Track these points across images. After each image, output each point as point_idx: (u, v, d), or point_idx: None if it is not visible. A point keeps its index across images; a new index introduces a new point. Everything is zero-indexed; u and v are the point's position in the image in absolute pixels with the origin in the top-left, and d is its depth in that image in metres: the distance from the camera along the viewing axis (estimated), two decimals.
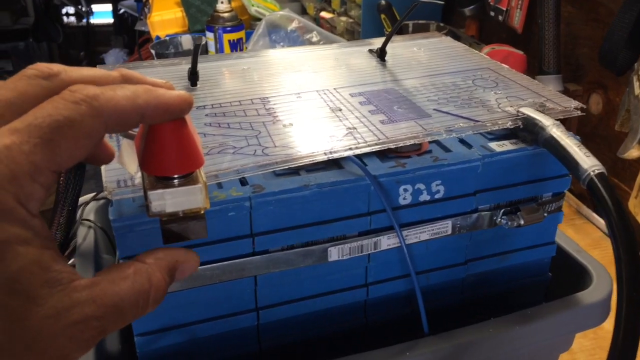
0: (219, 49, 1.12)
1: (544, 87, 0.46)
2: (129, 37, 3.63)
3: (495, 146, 0.42)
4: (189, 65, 0.50)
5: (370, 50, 0.54)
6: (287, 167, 0.37)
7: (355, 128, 0.40)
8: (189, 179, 0.31)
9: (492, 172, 0.42)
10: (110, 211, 0.35)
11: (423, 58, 0.52)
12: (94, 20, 3.95)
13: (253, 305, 0.42)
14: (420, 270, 0.44)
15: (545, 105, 0.43)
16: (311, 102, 0.44)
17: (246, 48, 1.16)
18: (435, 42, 0.56)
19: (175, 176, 0.31)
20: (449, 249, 0.44)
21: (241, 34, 1.14)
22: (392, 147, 0.39)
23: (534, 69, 0.93)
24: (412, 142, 0.39)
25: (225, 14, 1.12)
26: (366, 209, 0.41)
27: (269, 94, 0.45)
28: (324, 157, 0.37)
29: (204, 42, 1.14)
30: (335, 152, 0.38)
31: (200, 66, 0.50)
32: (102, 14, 3.94)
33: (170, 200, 0.31)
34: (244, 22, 1.15)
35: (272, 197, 0.38)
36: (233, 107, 0.43)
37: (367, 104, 0.43)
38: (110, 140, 0.39)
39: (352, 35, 1.31)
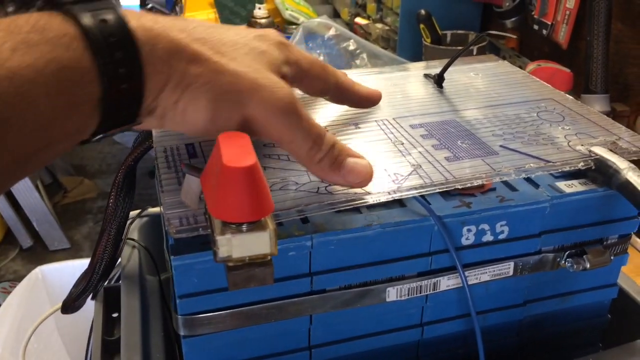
0: None
1: (613, 123, 0.44)
2: None
3: (564, 186, 0.40)
4: None
5: (427, 76, 0.52)
6: (350, 206, 0.36)
7: (420, 165, 0.39)
8: (258, 224, 0.30)
9: (559, 213, 0.40)
10: (169, 248, 0.34)
11: (481, 85, 0.51)
12: None
13: (306, 344, 0.40)
14: (478, 311, 0.42)
15: (617, 145, 0.41)
16: (371, 133, 0.43)
17: None
18: (492, 67, 0.54)
19: (244, 222, 0.30)
20: (508, 290, 0.42)
21: None
22: (459, 187, 0.37)
23: (578, 87, 0.91)
24: (480, 182, 0.38)
25: (263, 20, 1.11)
26: (427, 249, 0.39)
27: (326, 122, 0.44)
28: (389, 197, 0.36)
29: None
30: (400, 191, 0.36)
31: None
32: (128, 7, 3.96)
33: (238, 246, 0.30)
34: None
35: (334, 236, 0.36)
36: None
37: (429, 138, 0.42)
38: (170, 173, 0.38)
39: (387, 43, 1.29)
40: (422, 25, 1.09)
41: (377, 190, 0.36)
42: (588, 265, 0.41)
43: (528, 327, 0.45)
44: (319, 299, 0.38)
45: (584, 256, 0.41)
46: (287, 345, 0.40)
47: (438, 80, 0.50)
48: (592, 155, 0.40)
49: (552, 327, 0.46)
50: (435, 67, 0.53)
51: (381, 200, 0.36)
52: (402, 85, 0.51)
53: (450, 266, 0.40)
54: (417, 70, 0.55)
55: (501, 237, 0.40)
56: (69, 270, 1.61)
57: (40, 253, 2.55)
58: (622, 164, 0.38)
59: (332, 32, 1.12)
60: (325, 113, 0.45)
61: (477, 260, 0.40)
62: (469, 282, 0.41)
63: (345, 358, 0.42)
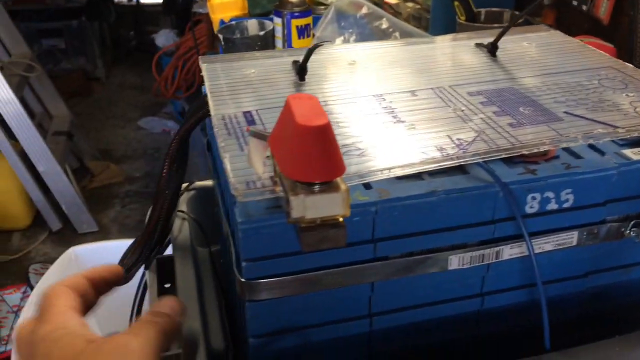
0: (287, 35, 1.10)
1: None
2: (178, 17, 3.64)
3: (631, 154, 0.39)
4: (292, 58, 0.49)
5: (478, 45, 0.51)
6: (416, 171, 0.35)
7: (483, 131, 0.38)
8: (330, 185, 0.30)
9: (626, 181, 0.39)
10: (236, 213, 0.34)
11: (536, 54, 0.49)
12: (143, 0, 3.97)
13: (366, 312, 0.40)
14: (546, 281, 0.42)
15: None
16: (428, 100, 0.42)
17: (313, 34, 1.14)
18: (545, 36, 0.53)
19: (317, 182, 0.30)
20: (571, 261, 0.42)
21: (309, 20, 1.11)
22: (525, 152, 0.36)
23: None
24: (546, 148, 0.37)
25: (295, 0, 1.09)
26: (491, 217, 0.38)
27: (382, 91, 0.43)
28: (456, 162, 0.35)
29: (270, 28, 1.12)
30: (466, 157, 0.36)
31: (297, 57, 0.48)
32: None
33: (311, 207, 0.29)
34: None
35: (399, 202, 0.36)
36: (348, 104, 0.41)
37: (489, 105, 0.41)
38: (231, 140, 0.38)
39: (418, 22, 1.27)
40: (456, 3, 1.07)
41: (442, 155, 0.36)
42: None
43: (590, 299, 0.44)
44: (381, 266, 0.38)
45: None
46: (347, 313, 0.39)
47: (492, 49, 0.49)
48: None
49: (614, 300, 0.45)
50: (476, 39, 0.52)
51: (446, 165, 0.35)
52: (453, 55, 0.50)
53: (513, 235, 0.39)
54: (462, 40, 0.54)
55: (565, 205, 0.39)
56: (101, 251, 1.63)
57: (70, 236, 2.58)
58: None
59: (364, 10, 1.11)
60: (380, 82, 0.45)
61: (540, 229, 0.39)
62: (538, 251, 0.40)
63: (405, 327, 0.41)
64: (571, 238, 0.40)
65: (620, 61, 0.47)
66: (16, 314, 2.08)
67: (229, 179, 0.34)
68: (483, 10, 1.15)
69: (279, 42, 1.12)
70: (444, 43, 0.52)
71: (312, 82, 0.45)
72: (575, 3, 1.01)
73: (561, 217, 0.39)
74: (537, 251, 0.40)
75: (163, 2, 3.89)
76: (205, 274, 0.49)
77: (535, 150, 0.36)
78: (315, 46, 0.44)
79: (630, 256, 0.43)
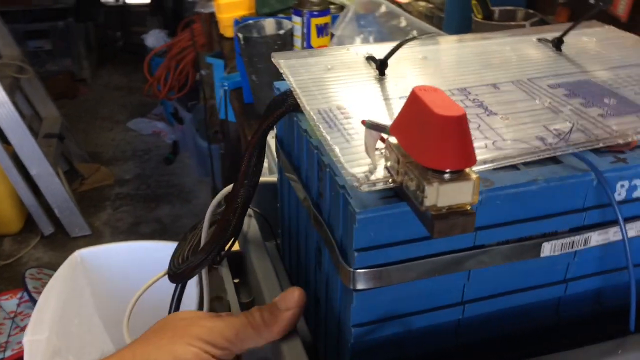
0: (306, 34, 1.11)
1: None
2: (166, 18, 3.62)
3: None
4: (356, 54, 0.50)
5: (541, 40, 0.53)
6: (522, 161, 0.36)
7: (577, 122, 0.39)
8: (461, 174, 0.31)
9: None
10: (352, 203, 0.35)
11: (599, 48, 0.51)
12: (130, 0, 3.94)
13: (459, 299, 0.41)
14: (620, 267, 0.43)
15: None
16: (513, 93, 0.43)
17: (332, 33, 1.15)
18: (601, 32, 0.55)
19: (447, 171, 0.31)
20: None
21: (328, 19, 1.12)
22: (621, 142, 0.38)
23: None
24: None
25: None
26: (582, 205, 0.40)
27: (464, 84, 0.45)
28: (561, 152, 0.37)
29: (289, 27, 1.13)
30: (569, 146, 0.37)
31: (364, 53, 0.49)
32: None
33: (443, 194, 0.30)
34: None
35: (502, 191, 0.37)
36: None
37: (573, 97, 0.42)
38: (334, 132, 0.38)
39: (430, 20, 1.29)
40: (474, 2, 1.09)
41: (545, 145, 0.37)
42: None
43: None
44: (480, 254, 0.39)
45: None
46: (442, 301, 0.41)
47: (557, 44, 0.50)
48: None
49: None
50: (533, 34, 0.53)
51: (554, 154, 0.37)
52: (517, 50, 0.52)
53: (599, 222, 0.41)
54: (518, 36, 0.55)
55: None
56: (107, 254, 1.61)
57: (62, 240, 2.55)
58: None
59: (382, 9, 1.12)
60: (458, 76, 0.46)
61: (626, 216, 0.41)
62: (615, 238, 0.41)
63: (491, 314, 0.43)
64: None
65: None
66: (13, 320, 2.05)
67: (345, 170, 0.35)
68: (497, 9, 1.17)
69: (297, 41, 1.13)
70: (503, 39, 0.54)
71: (393, 77, 0.46)
72: (592, 1, 1.03)
73: None
74: (619, 238, 0.42)
75: (150, 3, 3.87)
76: (278, 267, 0.50)
77: (631, 139, 0.38)
78: (403, 42, 0.45)
79: None
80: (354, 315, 0.39)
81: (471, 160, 0.30)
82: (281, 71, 0.47)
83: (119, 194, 2.90)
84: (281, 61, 0.48)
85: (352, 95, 0.43)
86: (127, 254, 1.63)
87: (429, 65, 0.48)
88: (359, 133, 0.39)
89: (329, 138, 0.38)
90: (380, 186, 0.34)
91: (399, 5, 1.41)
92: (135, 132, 3.41)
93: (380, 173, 0.34)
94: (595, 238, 0.41)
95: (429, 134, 0.30)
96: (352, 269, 0.37)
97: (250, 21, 1.17)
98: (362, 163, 0.35)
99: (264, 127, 0.46)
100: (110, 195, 2.89)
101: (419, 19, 1.28)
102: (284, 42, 1.12)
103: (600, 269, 0.44)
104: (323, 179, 0.41)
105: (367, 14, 1.12)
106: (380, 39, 1.11)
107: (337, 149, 0.36)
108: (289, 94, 0.45)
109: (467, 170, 0.31)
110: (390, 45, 0.46)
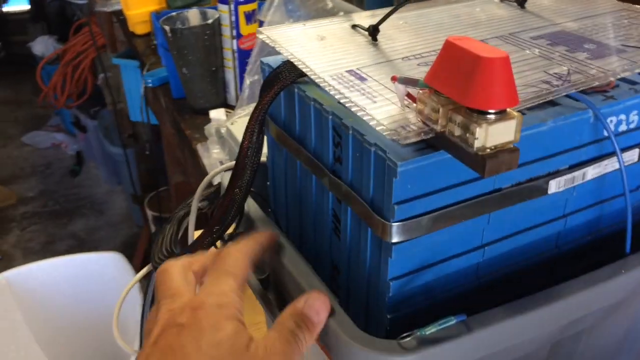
0: (235, 22, 1.10)
1: None
2: (51, 23, 3.41)
3: None
4: (341, 23, 0.51)
5: (503, 0, 0.56)
6: (536, 104, 0.39)
7: (570, 65, 0.42)
8: (504, 114, 0.33)
9: None
10: (391, 157, 0.36)
11: (558, 3, 0.55)
12: (7, 8, 3.68)
13: (480, 242, 0.43)
14: (611, 197, 0.48)
15: None
16: (503, 47, 0.46)
17: (260, 20, 1.14)
18: None
19: (492, 111, 0.33)
20: (630, 175, 0.48)
21: (255, 5, 1.12)
22: (612, 79, 0.42)
23: None
24: (629, 73, 0.42)
25: None
26: (579, 142, 0.43)
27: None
28: (567, 92, 0.40)
29: (216, 16, 1.11)
30: (573, 86, 0.40)
31: (350, 22, 0.50)
32: (16, 1, 3.68)
33: (491, 134, 0.32)
34: None
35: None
36: (433, 57, 0.44)
37: (557, 45, 0.46)
38: (355, 92, 0.39)
39: (350, 2, 1.31)
40: None
41: (551, 88, 0.40)
42: None
43: (636, 211, 0.51)
44: (498, 197, 0.41)
45: None
46: (467, 245, 0.43)
47: (521, 2, 0.54)
48: None
49: None
50: None
51: (563, 95, 0.39)
52: (486, 11, 0.55)
53: (594, 157, 0.45)
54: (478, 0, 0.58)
55: (632, 126, 0.45)
56: (35, 273, 1.52)
57: None
58: None
59: None
60: (441, 35, 0.48)
61: (613, 149, 0.45)
62: (606, 171, 0.46)
63: (505, 254, 0.45)
64: (634, 155, 0.46)
65: (628, 4, 0.54)
66: None
67: (383, 125, 0.36)
68: None
69: (226, 30, 1.11)
70: (469, 2, 0.57)
71: (385, 41, 0.48)
72: None
73: (628, 136, 0.45)
74: (609, 169, 0.46)
75: (30, 9, 3.63)
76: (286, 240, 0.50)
77: (620, 76, 0.42)
78: (396, 7, 0.47)
79: None
80: (391, 268, 0.40)
81: (514, 99, 0.32)
82: (272, 44, 0.47)
83: (25, 214, 2.72)
84: (270, 34, 0.48)
85: (356, 60, 0.44)
86: (55, 270, 1.54)
87: (413, 29, 0.50)
88: (379, 92, 0.40)
89: (354, 98, 0.38)
90: (420, 137, 0.35)
91: None
92: (32, 146, 3.21)
93: (417, 125, 0.36)
94: (591, 172, 0.45)
95: (474, 77, 0.32)
96: (390, 223, 0.38)
97: (173, 13, 1.14)
98: (393, 119, 0.37)
99: (264, 103, 0.46)
100: (15, 216, 2.71)
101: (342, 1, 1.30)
102: (213, 32, 1.10)
103: (594, 200, 0.47)
104: (342, 143, 0.41)
105: None
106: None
107: (367, 108, 0.37)
108: (286, 67, 0.45)
109: (509, 110, 0.33)
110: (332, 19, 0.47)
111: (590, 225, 0.49)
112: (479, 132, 0.32)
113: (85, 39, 2.57)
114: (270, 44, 0.48)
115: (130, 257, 1.53)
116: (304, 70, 0.43)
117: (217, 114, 1.07)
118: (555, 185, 0.43)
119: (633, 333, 0.57)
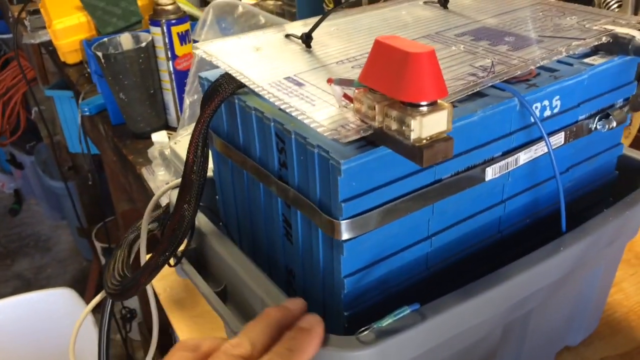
0: (169, 43, 1.10)
1: (600, 10, 0.54)
2: None
3: (591, 61, 0.49)
4: (273, 34, 0.52)
5: (427, 2, 0.59)
6: (464, 95, 0.41)
7: (494, 58, 0.45)
8: (436, 105, 0.35)
9: (591, 84, 0.49)
10: (334, 156, 0.37)
11: (476, 3, 0.58)
12: None
13: (426, 233, 0.45)
14: (543, 180, 0.50)
15: (617, 22, 0.51)
16: (431, 45, 0.48)
17: (194, 40, 1.14)
18: None
19: (424, 103, 0.34)
20: (558, 158, 0.51)
21: (187, 26, 1.12)
22: (533, 67, 0.44)
23: None
24: (547, 61, 0.45)
25: (169, 7, 1.10)
26: (509, 129, 0.46)
27: None
28: (492, 82, 0.42)
29: (149, 39, 1.11)
30: (497, 77, 0.42)
31: (277, 33, 0.52)
32: None
33: (426, 125, 0.34)
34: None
35: (452, 125, 0.41)
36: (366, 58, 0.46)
37: (480, 40, 0.48)
38: (294, 97, 0.40)
39: (282, 17, 1.33)
40: None
41: (477, 80, 0.42)
42: (614, 124, 0.51)
43: (569, 190, 0.54)
44: (440, 187, 0.43)
45: (610, 117, 0.51)
46: (415, 236, 0.44)
47: (444, 3, 0.57)
48: (608, 30, 0.49)
49: (583, 188, 0.55)
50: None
51: (489, 85, 0.42)
52: (412, 13, 0.57)
53: (524, 143, 0.47)
54: (404, 3, 0.61)
55: (555, 111, 0.48)
56: None
57: None
58: (634, 33, 0.48)
59: (240, 10, 1.14)
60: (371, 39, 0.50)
61: (539, 134, 0.48)
62: (537, 155, 0.48)
63: (451, 243, 0.47)
64: (560, 138, 0.49)
65: None
66: None
67: (323, 127, 0.37)
68: None
69: (160, 52, 1.11)
70: (395, 6, 0.59)
71: (318, 48, 0.49)
72: None
73: (553, 121, 0.48)
74: (540, 154, 0.48)
75: None
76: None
77: (540, 64, 0.44)
78: (326, 15, 0.48)
79: (592, 149, 0.53)
80: (344, 265, 0.41)
81: (443, 91, 0.34)
82: (209, 59, 0.48)
83: None
84: (206, 49, 0.49)
85: (293, 67, 0.45)
86: (1, 313, 1.48)
87: (344, 34, 0.52)
88: (317, 96, 0.41)
89: (293, 103, 0.39)
90: (359, 134, 0.36)
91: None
92: None
93: (355, 123, 0.37)
94: (523, 157, 0.47)
95: (405, 72, 0.33)
96: (339, 221, 0.39)
97: (105, 39, 1.12)
98: (333, 120, 0.38)
99: (206, 116, 0.47)
100: None
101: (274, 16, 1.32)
102: (148, 55, 1.09)
103: (529, 184, 0.50)
104: (286, 149, 0.42)
105: (225, 16, 1.13)
106: None
107: (307, 111, 0.38)
108: (225, 79, 0.46)
109: (440, 101, 0.35)
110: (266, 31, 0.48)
111: (528, 209, 0.51)
112: (414, 124, 0.33)
113: (15, 73, 2.50)
114: (207, 58, 0.49)
115: (81, 293, 1.49)
116: (242, 80, 0.44)
117: (159, 137, 1.06)
118: (491, 172, 0.46)
119: (580, 309, 0.60)
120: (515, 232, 0.52)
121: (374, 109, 0.36)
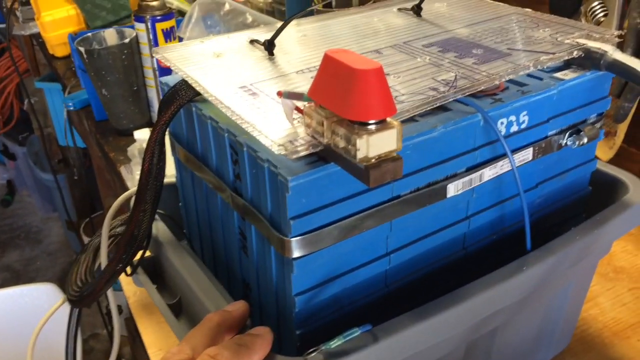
0: (153, 40, 1.08)
1: (576, 23, 0.52)
2: None
3: (561, 75, 0.48)
4: (237, 38, 0.51)
5: (401, 9, 0.57)
6: (424, 110, 0.40)
7: (458, 71, 0.44)
8: (385, 124, 0.33)
9: (561, 99, 0.48)
10: (282, 172, 0.36)
11: (452, 11, 0.57)
12: None
13: (385, 250, 0.44)
14: (510, 196, 0.49)
15: (592, 36, 0.49)
16: (396, 55, 0.47)
17: (179, 37, 1.13)
18: None
19: (372, 122, 0.33)
20: (527, 174, 0.49)
21: (172, 22, 1.10)
22: (497, 83, 0.43)
23: None
24: (513, 76, 0.44)
25: (154, 3, 1.08)
26: (473, 145, 0.44)
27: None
28: (453, 98, 0.41)
29: (133, 35, 1.09)
30: (458, 92, 0.41)
31: (243, 37, 0.51)
32: None
33: (373, 145, 0.33)
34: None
35: (410, 141, 0.40)
36: None
37: (447, 52, 0.47)
38: (249, 110, 0.39)
39: (272, 15, 1.32)
40: None
41: (439, 95, 0.41)
42: (585, 140, 0.50)
43: (538, 207, 0.52)
44: (398, 204, 0.42)
45: (581, 133, 0.50)
46: (371, 254, 0.43)
47: (417, 11, 0.55)
48: (580, 44, 0.48)
49: (554, 204, 0.54)
50: (393, 5, 0.58)
51: (451, 100, 0.40)
52: (384, 20, 0.56)
53: (489, 159, 0.46)
54: (387, 7, 0.59)
55: (523, 126, 0.46)
56: None
57: None
58: (607, 48, 0.47)
59: (226, 7, 1.13)
60: (345, 47, 0.49)
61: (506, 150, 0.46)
62: (503, 171, 0.47)
63: (412, 260, 0.46)
64: (528, 154, 0.48)
65: (519, 7, 0.56)
66: None
67: (271, 142, 0.36)
68: None
69: (144, 49, 1.10)
70: (368, 12, 0.58)
71: (281, 55, 0.48)
72: None
73: (520, 136, 0.47)
74: (506, 170, 0.47)
75: None
76: (199, 262, 0.49)
77: (511, 78, 0.43)
78: (286, 23, 0.47)
79: (562, 165, 0.52)
80: (295, 283, 0.40)
81: (392, 109, 0.33)
82: (168, 64, 0.47)
83: None
84: (165, 55, 0.47)
85: (250, 76, 0.44)
86: None
87: (311, 41, 0.50)
88: (270, 108, 0.40)
89: (246, 114, 0.38)
90: (309, 150, 0.35)
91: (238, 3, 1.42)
92: None
93: (305, 138, 0.36)
94: (488, 173, 0.46)
95: (351, 89, 0.32)
96: (289, 238, 0.38)
97: (89, 34, 1.11)
98: (283, 134, 0.37)
99: (162, 123, 0.45)
100: None
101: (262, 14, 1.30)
102: (132, 51, 1.08)
103: (494, 201, 0.49)
104: (239, 161, 0.41)
105: (212, 14, 1.12)
106: None
107: (257, 124, 0.37)
108: (182, 85, 0.45)
109: (389, 119, 0.33)
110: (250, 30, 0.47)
111: (493, 225, 0.50)
112: (360, 143, 0.32)
113: (9, 63, 2.48)
114: (165, 63, 0.47)
115: None
116: (197, 88, 0.43)
117: (141, 134, 1.05)
118: (453, 189, 0.44)
119: (549, 326, 0.59)
120: (481, 248, 0.50)
121: (323, 124, 0.35)
